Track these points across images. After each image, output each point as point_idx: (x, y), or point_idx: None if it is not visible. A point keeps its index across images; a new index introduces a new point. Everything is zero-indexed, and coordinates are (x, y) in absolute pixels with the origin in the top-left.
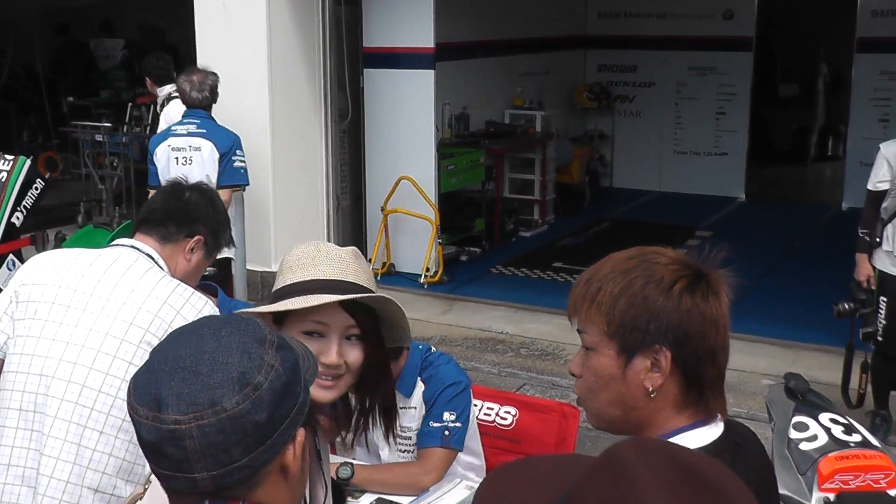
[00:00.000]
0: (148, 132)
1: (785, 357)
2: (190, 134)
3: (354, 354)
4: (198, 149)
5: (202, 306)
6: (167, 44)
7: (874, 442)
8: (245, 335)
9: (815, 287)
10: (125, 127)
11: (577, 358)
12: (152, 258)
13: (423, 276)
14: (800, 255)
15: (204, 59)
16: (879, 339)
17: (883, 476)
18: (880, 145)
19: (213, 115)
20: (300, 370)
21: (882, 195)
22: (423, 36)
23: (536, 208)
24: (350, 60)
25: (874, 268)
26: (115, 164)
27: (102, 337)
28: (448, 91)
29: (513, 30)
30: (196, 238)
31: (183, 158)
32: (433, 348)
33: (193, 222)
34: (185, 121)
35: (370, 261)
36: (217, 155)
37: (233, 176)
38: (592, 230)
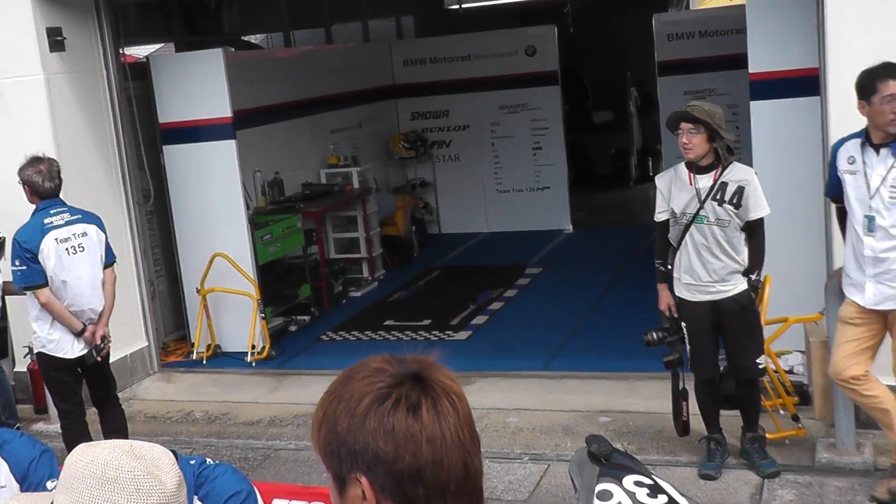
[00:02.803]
0: None
1: (619, 390)
2: (69, 223)
3: None
4: (84, 234)
5: None
6: None
7: (680, 500)
8: None
9: (644, 312)
10: None
11: None
12: None
13: (249, 354)
14: (628, 280)
15: None
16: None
17: None
18: (655, 178)
19: None
20: None
21: (667, 225)
22: (219, 106)
23: (365, 265)
24: (147, 138)
25: (674, 295)
26: None
27: None
28: (258, 158)
29: (319, 87)
30: None
31: (72, 248)
32: (209, 460)
33: None
34: (51, 211)
35: (193, 345)
36: (103, 236)
37: (110, 254)
38: (423, 280)
